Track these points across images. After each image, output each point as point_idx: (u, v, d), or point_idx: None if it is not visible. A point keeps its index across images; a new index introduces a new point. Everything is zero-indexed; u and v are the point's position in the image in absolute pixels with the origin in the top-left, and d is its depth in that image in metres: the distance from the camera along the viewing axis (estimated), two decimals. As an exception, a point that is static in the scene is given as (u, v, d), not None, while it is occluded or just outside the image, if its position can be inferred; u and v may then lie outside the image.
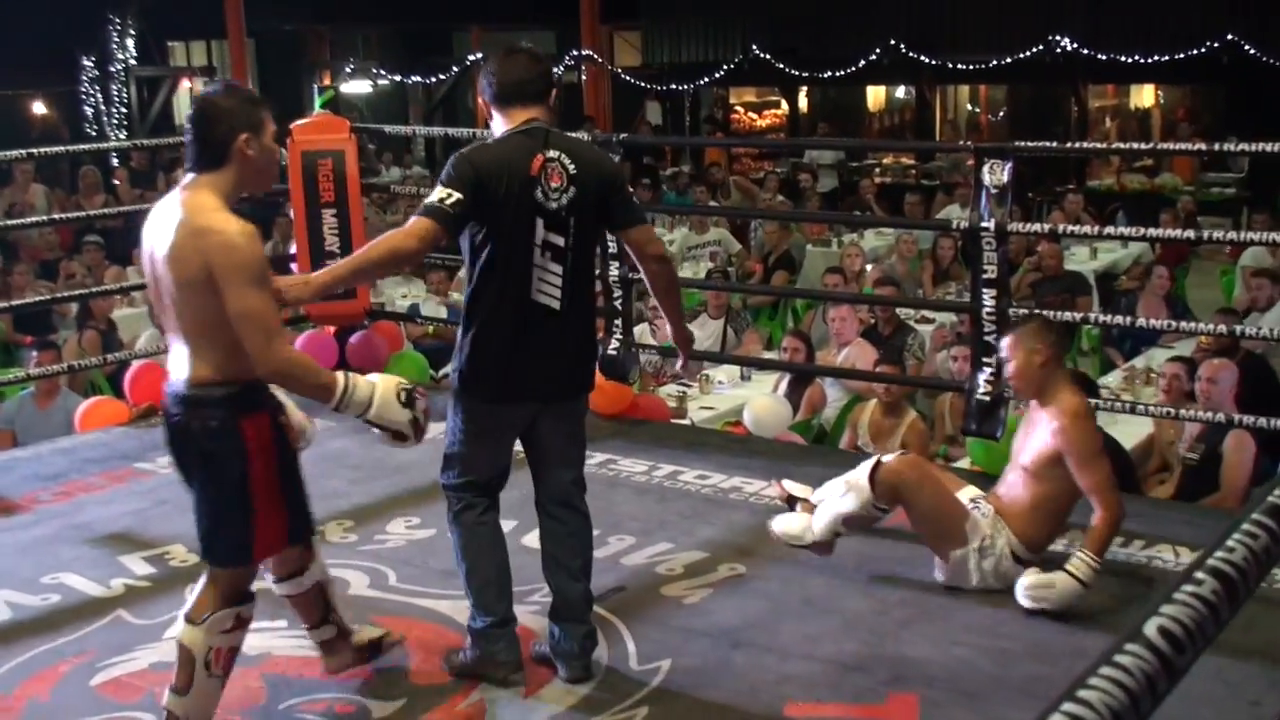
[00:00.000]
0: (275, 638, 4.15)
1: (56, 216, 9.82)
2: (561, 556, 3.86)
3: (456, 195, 3.57)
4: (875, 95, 21.34)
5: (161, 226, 3.26)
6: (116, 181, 13.90)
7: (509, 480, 3.96)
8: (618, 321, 6.49)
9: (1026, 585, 4.21)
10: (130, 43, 17.27)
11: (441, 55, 21.87)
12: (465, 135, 7.38)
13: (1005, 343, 4.51)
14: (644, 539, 4.92)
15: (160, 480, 5.71)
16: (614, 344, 6.47)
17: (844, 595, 4.43)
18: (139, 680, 3.91)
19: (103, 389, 8.01)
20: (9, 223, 9.12)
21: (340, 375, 3.33)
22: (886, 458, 4.46)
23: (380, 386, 3.37)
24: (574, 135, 4.05)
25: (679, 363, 4.30)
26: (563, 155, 3.68)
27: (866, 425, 6.78)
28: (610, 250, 6.39)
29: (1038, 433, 4.38)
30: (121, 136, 16.86)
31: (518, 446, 3.90)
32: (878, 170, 17.88)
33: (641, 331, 7.71)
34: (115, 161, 14.64)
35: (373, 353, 7.31)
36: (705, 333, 8.83)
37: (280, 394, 3.44)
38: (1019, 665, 3.93)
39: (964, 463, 6.10)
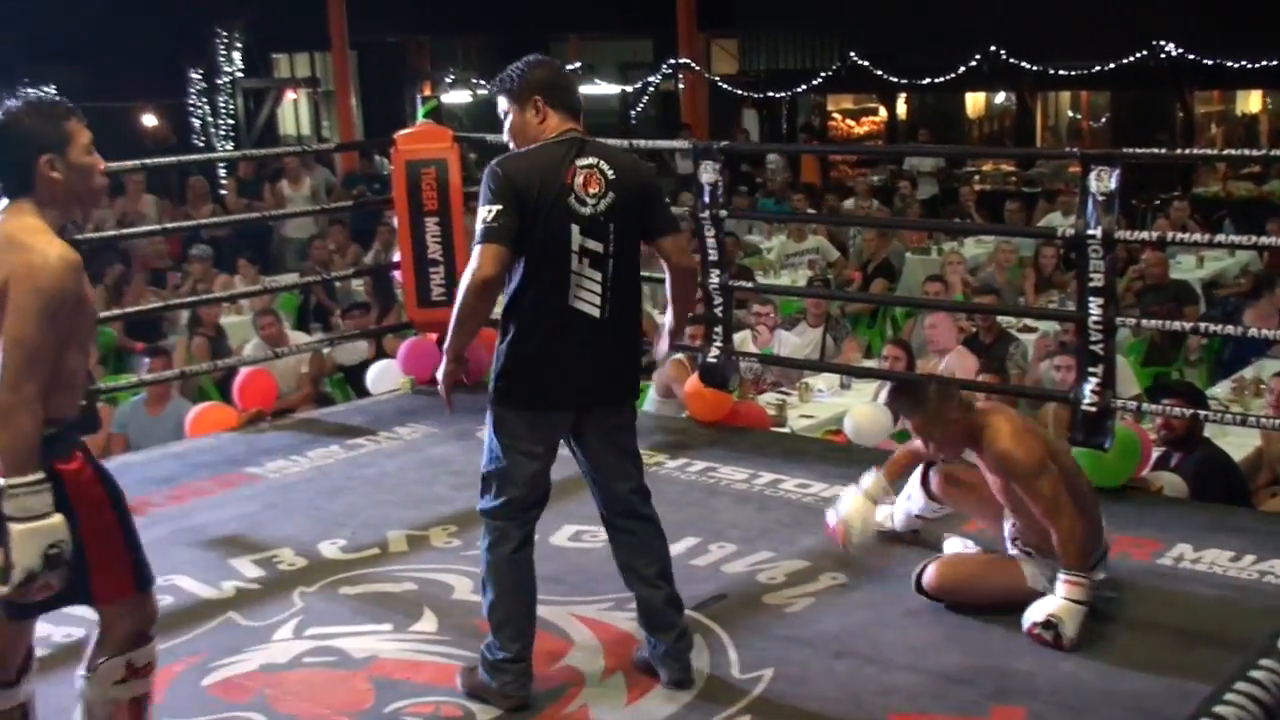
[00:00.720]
0: (381, 640, 4.22)
1: (168, 225, 10.05)
2: (637, 566, 3.86)
3: (498, 208, 3.57)
4: (975, 101, 21.15)
5: None
6: (224, 191, 14.16)
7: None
8: (718, 329, 6.50)
9: (1034, 621, 4.09)
10: (236, 55, 17.60)
11: (539, 65, 22.00)
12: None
13: (912, 425, 4.36)
14: (745, 547, 4.92)
15: (269, 485, 5.83)
16: (714, 351, 6.47)
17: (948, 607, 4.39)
18: (249, 681, 3.99)
19: (210, 394, 8.18)
20: (124, 231, 9.36)
21: (33, 478, 2.86)
22: (928, 569, 4.38)
23: (46, 524, 2.86)
24: (610, 143, 4.02)
25: (661, 346, 4.19)
26: (601, 162, 3.67)
27: (968, 435, 6.71)
28: (711, 258, 6.40)
29: (989, 475, 4.28)
30: (228, 147, 17.18)
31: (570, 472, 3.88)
32: (977, 177, 17.71)
33: (742, 339, 7.71)
34: (223, 172, 14.93)
35: (474, 359, 7.36)
36: (804, 340, 8.81)
37: None
38: (1125, 680, 3.87)
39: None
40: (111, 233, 9.54)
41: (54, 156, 2.98)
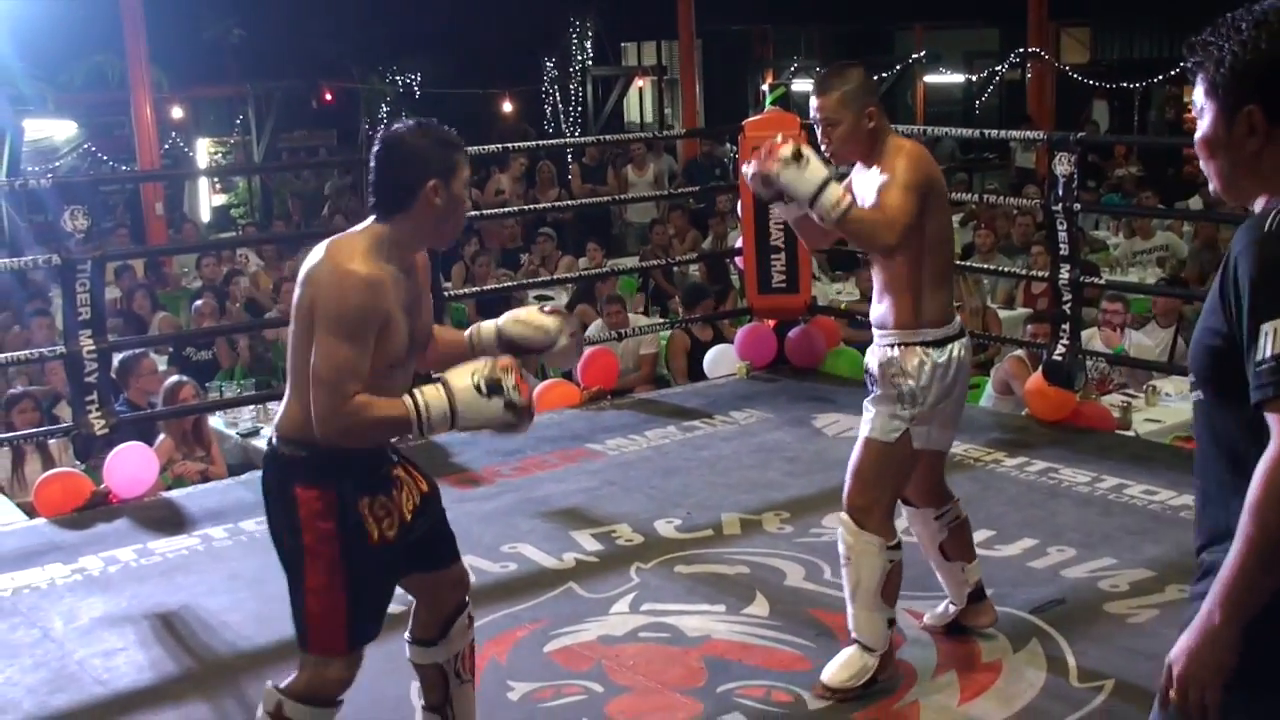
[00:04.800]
0: (715, 621, 4.29)
1: (522, 208, 10.46)
2: None
3: None
4: (1349, 92, 19.75)
5: (309, 259, 2.96)
6: (570, 176, 14.63)
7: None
8: (1065, 326, 6.32)
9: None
10: (587, 44, 18.14)
11: (882, 54, 21.81)
12: (910, 131, 7.31)
13: (820, 105, 3.67)
14: (1086, 552, 4.77)
15: (608, 462, 6.01)
16: (1060, 348, 6.29)
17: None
18: (588, 651, 4.12)
19: (552, 370, 8.47)
20: (483, 212, 9.76)
21: (409, 402, 2.86)
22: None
23: (456, 390, 2.87)
24: None
25: None
26: None
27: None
28: (1062, 252, 6.23)
29: (869, 189, 3.67)
30: (576, 133, 17.72)
31: None
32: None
33: (1090, 336, 7.47)
34: (569, 157, 15.42)
35: (811, 347, 7.41)
36: (1154, 341, 8.44)
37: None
38: None
39: None
40: (470, 213, 9.98)
41: (440, 183, 2.91)
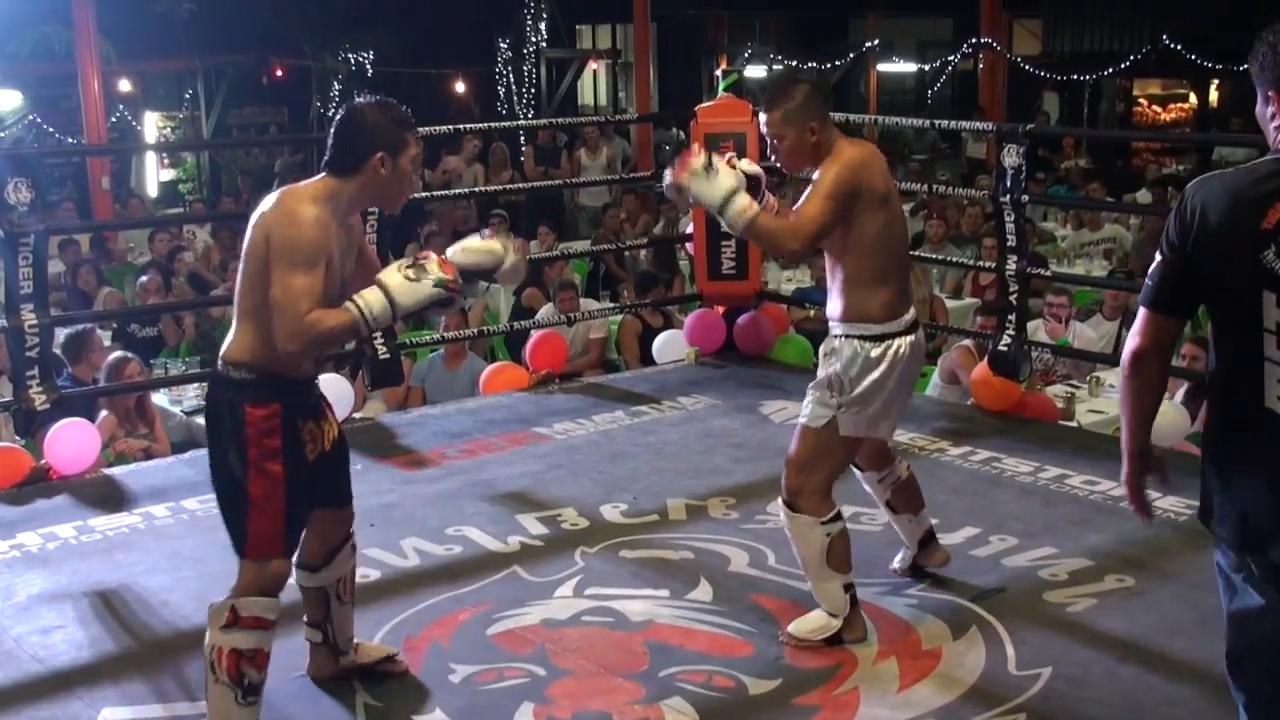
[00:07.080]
0: (659, 606, 4.29)
1: (474, 190, 10.42)
2: None
3: (1160, 256, 2.59)
4: (1296, 88, 19.97)
5: (262, 205, 3.27)
6: (523, 158, 14.57)
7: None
8: (1011, 317, 6.37)
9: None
10: (542, 26, 18.07)
11: (837, 41, 21.87)
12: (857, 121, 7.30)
13: (768, 121, 3.87)
14: (1027, 541, 4.81)
15: (555, 446, 6.01)
16: (1006, 339, 6.34)
17: (1242, 619, 4.19)
18: (531, 634, 4.12)
19: (500, 354, 8.46)
20: (433, 194, 9.75)
21: (352, 307, 3.17)
22: None
23: (388, 283, 3.19)
24: None
25: None
26: None
27: None
28: (1009, 244, 6.28)
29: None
30: (529, 115, 17.66)
31: None
32: (1295, 170, 16.70)
33: (1035, 328, 7.53)
34: (523, 139, 15.36)
35: (759, 333, 7.42)
36: (1100, 333, 8.52)
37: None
38: None
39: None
40: (421, 194, 9.95)
41: (386, 156, 3.26)
